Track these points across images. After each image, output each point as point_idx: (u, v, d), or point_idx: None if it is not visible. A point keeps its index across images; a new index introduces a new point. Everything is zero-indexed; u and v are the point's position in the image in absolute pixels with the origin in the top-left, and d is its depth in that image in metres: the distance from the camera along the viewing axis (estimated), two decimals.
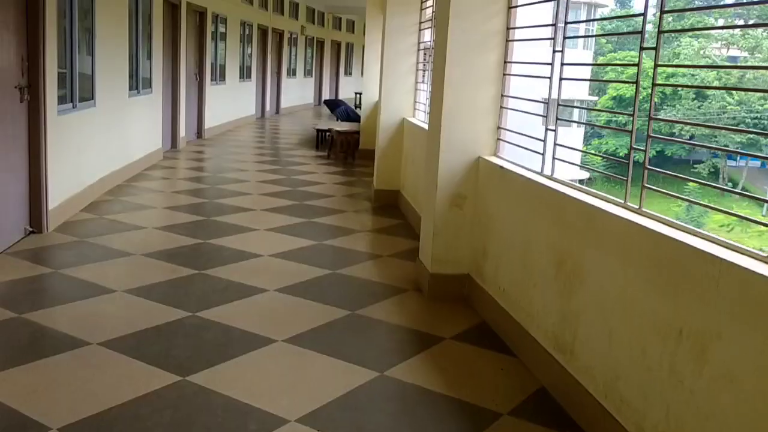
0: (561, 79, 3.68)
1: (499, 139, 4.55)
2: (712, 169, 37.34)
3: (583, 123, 36.37)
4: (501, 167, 4.17)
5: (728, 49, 39.40)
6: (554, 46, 3.76)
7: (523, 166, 4.07)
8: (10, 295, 4.38)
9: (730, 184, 36.22)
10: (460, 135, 4.52)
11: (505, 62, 4.47)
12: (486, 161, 4.46)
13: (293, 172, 9.92)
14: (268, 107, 18.90)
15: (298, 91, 22.12)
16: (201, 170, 9.96)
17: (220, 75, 14.23)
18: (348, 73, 28.76)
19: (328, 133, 12.56)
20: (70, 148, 6.43)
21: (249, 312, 4.30)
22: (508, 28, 4.43)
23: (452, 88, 4.46)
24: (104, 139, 7.64)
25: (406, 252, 5.86)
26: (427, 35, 7.76)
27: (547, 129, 3.79)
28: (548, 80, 3.80)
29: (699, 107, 36.30)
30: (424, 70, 7.48)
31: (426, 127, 6.71)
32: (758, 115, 36.59)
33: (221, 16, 14.03)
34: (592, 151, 34.86)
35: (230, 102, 15.14)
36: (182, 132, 11.67)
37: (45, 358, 3.48)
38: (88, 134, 7.04)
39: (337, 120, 14.48)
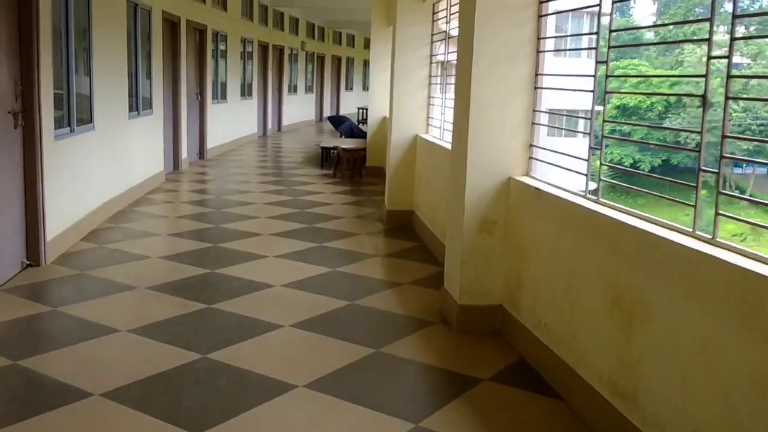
0: (606, 92, 3.35)
1: (531, 158, 4.21)
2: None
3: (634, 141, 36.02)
4: (537, 189, 3.83)
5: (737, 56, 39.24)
6: (597, 56, 3.43)
7: (564, 188, 3.73)
8: (5, 339, 4.02)
9: (737, 191, 35.90)
10: (488, 154, 4.19)
11: (536, 75, 4.15)
12: (518, 182, 4.12)
13: (299, 193, 9.59)
14: (269, 125, 18.61)
15: (299, 108, 21.85)
16: (204, 192, 9.62)
17: (221, 93, 13.88)
18: (349, 87, 28.53)
19: (333, 151, 12.25)
20: (68, 174, 6.10)
21: (264, 352, 3.94)
22: (539, 38, 4.11)
23: (478, 104, 4.13)
24: (104, 164, 7.31)
25: (427, 279, 5.50)
26: (440, 47, 7.45)
27: (591, 147, 3.45)
28: (590, 93, 3.47)
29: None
30: (438, 84, 7.15)
31: (442, 144, 6.41)
32: (764, 122, 36.41)
33: (221, 34, 13.74)
34: (643, 171, 34.42)
35: (232, 121, 14.79)
36: (184, 153, 11.34)
37: (41, 415, 3.12)
38: (86, 159, 6.71)
39: (341, 137, 14.16)
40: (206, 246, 6.35)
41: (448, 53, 5.96)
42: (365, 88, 30.10)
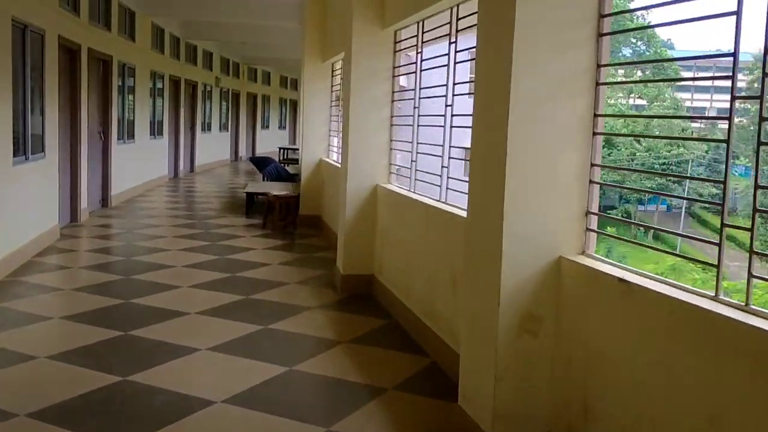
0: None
1: (589, 229, 3.03)
2: (625, 215, 37.75)
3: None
4: (621, 280, 2.63)
5: (632, 98, 40.72)
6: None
7: (665, 281, 2.55)
8: None
9: (641, 228, 36.65)
10: (528, 225, 2.98)
11: (595, 115, 3.00)
12: (575, 264, 2.93)
13: (226, 250, 8.11)
14: (182, 165, 16.94)
15: (213, 147, 20.24)
16: (108, 252, 7.96)
17: (128, 132, 12.28)
18: (265, 126, 27.10)
19: (260, 197, 10.82)
20: None
21: None
22: (599, 66, 2.98)
23: (522, 155, 2.94)
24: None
25: (417, 380, 4.21)
26: (404, 81, 6.29)
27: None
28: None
29: (609, 155, 36.87)
30: (405, 125, 5.95)
31: (415, 197, 5.20)
32: (665, 160, 37.58)
33: (129, 66, 12.11)
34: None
35: (140, 162, 13.17)
36: (84, 202, 9.68)
37: None
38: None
39: (265, 179, 12.76)
40: (114, 335, 4.81)
41: (453, 84, 4.72)
42: (282, 126, 29.12)
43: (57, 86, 8.24)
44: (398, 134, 6.24)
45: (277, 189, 10.53)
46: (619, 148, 39.30)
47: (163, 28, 14.71)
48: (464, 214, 3.76)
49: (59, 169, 8.44)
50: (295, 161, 17.74)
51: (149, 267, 7.00)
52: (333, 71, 10.24)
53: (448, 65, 4.88)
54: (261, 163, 13.15)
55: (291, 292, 6.28)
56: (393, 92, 6.16)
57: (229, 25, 15.91)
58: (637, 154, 38.34)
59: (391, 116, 6.18)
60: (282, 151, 20.68)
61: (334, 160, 9.65)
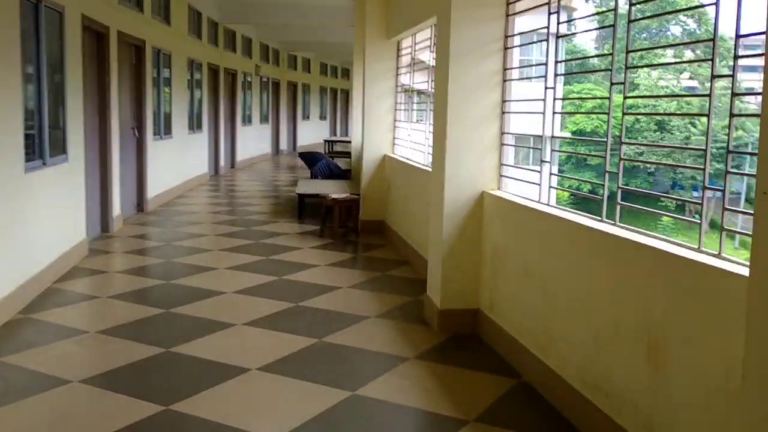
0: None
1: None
2: (679, 203, 35.59)
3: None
4: None
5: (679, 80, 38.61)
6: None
7: None
8: None
9: (696, 216, 34.38)
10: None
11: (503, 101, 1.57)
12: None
13: (283, 267, 6.78)
14: (222, 162, 15.72)
15: (254, 141, 19.00)
16: (144, 274, 6.67)
17: (164, 127, 11.02)
18: (306, 117, 25.80)
19: (314, 199, 9.49)
20: None
21: None
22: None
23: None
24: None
25: None
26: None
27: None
28: None
29: (662, 138, 34.81)
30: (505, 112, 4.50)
31: (557, 213, 3.73)
32: (723, 144, 35.19)
33: (164, 52, 10.86)
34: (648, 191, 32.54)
35: (178, 160, 12.03)
36: (116, 209, 8.49)
37: None
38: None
39: (316, 178, 11.43)
40: (154, 410, 3.49)
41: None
42: (323, 116, 27.99)
43: (81, 75, 6.97)
44: (508, 125, 4.78)
45: (332, 190, 9.17)
46: (672, 131, 37.21)
47: (200, 11, 13.46)
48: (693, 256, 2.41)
49: (86, 173, 7.19)
50: (344, 155, 16.41)
51: (194, 295, 5.69)
52: (399, 51, 8.78)
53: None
54: (311, 159, 11.81)
55: (373, 331, 4.90)
56: (505, 69, 4.70)
57: (268, 5, 14.56)
58: (692, 137, 36.18)
59: (503, 101, 4.73)
60: (328, 144, 19.33)
61: (402, 156, 8.19)
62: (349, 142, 19.91)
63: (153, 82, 10.19)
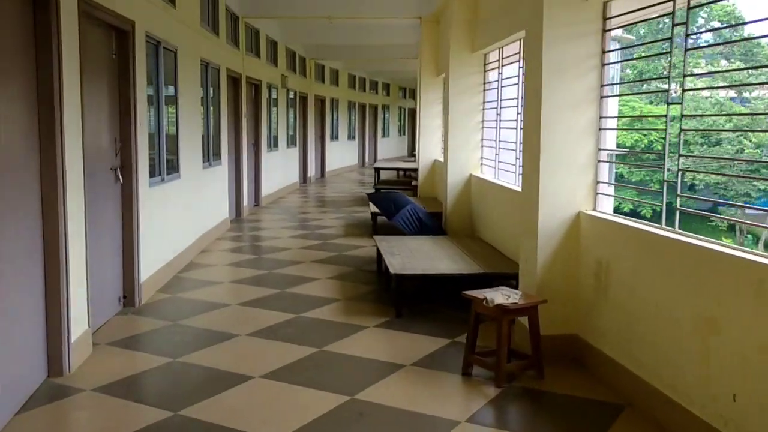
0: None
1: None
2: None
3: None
4: None
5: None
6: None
7: None
8: None
9: (749, 236, 30.68)
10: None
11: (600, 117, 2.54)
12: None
13: None
14: (245, 201, 11.80)
15: (281, 169, 15.10)
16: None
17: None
18: (334, 137, 21.88)
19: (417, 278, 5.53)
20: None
21: None
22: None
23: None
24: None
25: None
26: None
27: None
28: None
29: (711, 151, 31.29)
30: None
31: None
32: None
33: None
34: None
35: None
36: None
37: None
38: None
39: (399, 224, 7.57)
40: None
41: None
42: (402, 133, 31.57)
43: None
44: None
45: (451, 262, 5.30)
46: (722, 144, 33.62)
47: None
48: None
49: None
50: (396, 185, 12.88)
51: None
52: (486, 64, 7.35)
53: None
54: (388, 204, 7.86)
55: None
56: (602, 86, 4.32)
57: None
58: (746, 150, 32.54)
59: (600, 117, 4.35)
60: (378, 173, 15.41)
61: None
62: (400, 170, 16.26)
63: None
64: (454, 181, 7.97)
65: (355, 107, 24.71)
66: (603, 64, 4.45)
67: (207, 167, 8.99)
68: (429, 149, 11.59)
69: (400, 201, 7.82)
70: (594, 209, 4.54)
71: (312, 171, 18.92)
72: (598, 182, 4.52)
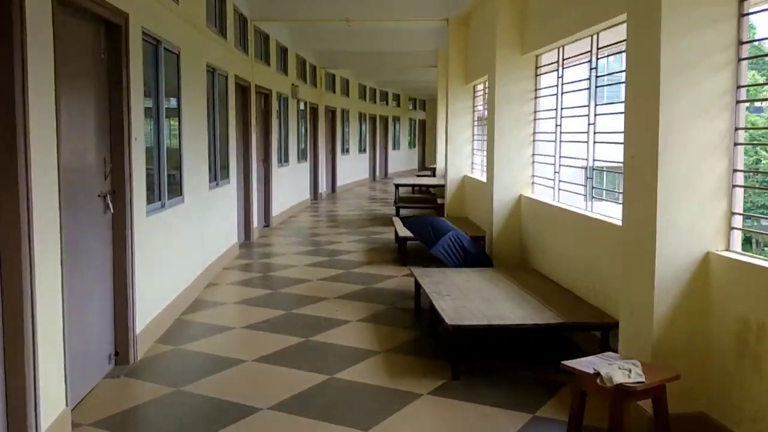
0: None
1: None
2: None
3: None
4: None
5: None
6: None
7: None
8: None
9: None
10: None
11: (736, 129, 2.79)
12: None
13: None
14: (255, 222, 10.69)
15: (291, 186, 13.99)
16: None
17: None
18: (345, 150, 20.77)
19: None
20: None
21: None
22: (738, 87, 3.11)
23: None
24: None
25: None
26: None
27: None
28: None
29: None
30: None
31: None
32: None
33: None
34: None
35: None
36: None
37: None
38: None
39: (440, 254, 6.48)
40: None
41: None
42: (412, 145, 30.69)
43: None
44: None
45: (516, 309, 4.25)
46: None
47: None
48: None
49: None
50: (425, 203, 11.96)
51: None
52: (538, 67, 6.45)
53: None
54: (426, 231, 6.73)
55: None
56: (737, 87, 3.40)
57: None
58: None
59: (735, 129, 3.42)
60: (398, 190, 14.26)
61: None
62: (422, 187, 14.99)
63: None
64: (501, 202, 6.86)
65: (366, 119, 23.63)
66: (739, 59, 3.43)
67: (214, 187, 7.89)
68: (457, 164, 10.51)
69: (440, 227, 6.71)
70: (728, 249, 3.51)
71: (323, 186, 17.81)
72: (733, 213, 3.50)
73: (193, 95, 6.84)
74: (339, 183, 19.67)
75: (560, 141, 6.24)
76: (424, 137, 32.31)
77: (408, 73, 20.29)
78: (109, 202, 4.62)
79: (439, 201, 12.02)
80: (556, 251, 5.94)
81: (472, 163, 10.45)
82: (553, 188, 6.35)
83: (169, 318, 5.82)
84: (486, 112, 8.69)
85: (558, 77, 6.24)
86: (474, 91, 10.35)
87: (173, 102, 6.24)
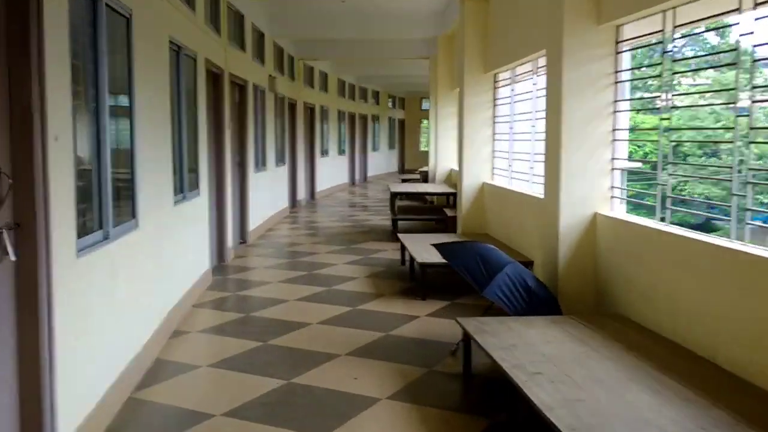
0: None
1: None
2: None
3: None
4: None
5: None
6: None
7: None
8: None
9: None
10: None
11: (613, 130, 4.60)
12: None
13: None
14: (230, 240, 8.80)
15: (269, 192, 12.08)
16: None
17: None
18: (324, 152, 18.85)
19: None
20: None
21: None
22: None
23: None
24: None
25: None
26: None
27: None
28: None
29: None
30: None
31: None
32: None
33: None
34: None
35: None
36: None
37: None
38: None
39: (498, 299, 4.72)
40: None
41: None
42: (391, 147, 28.95)
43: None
44: None
45: (655, 392, 2.53)
46: (720, 156, 31.86)
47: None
48: None
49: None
50: (428, 214, 10.33)
51: None
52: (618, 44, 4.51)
53: None
54: (473, 262, 4.91)
55: None
56: None
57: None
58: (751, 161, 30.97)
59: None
60: (394, 200, 12.26)
61: None
62: (428, 195, 12.75)
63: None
64: (569, 225, 5.03)
65: (345, 117, 21.79)
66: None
67: (180, 201, 6.01)
68: (474, 169, 8.76)
69: (492, 258, 4.87)
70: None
71: (302, 193, 15.93)
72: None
73: (152, 78, 4.99)
74: (318, 188, 17.81)
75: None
76: (403, 138, 30.62)
77: (392, 66, 18.64)
78: (6, 242, 2.77)
79: (449, 213, 10.23)
80: (674, 297, 4.15)
81: (493, 167, 8.71)
82: (659, 206, 4.57)
83: (114, 403, 3.95)
84: (535, 103, 7.01)
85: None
86: (495, 81, 8.60)
87: (122, 85, 4.38)
